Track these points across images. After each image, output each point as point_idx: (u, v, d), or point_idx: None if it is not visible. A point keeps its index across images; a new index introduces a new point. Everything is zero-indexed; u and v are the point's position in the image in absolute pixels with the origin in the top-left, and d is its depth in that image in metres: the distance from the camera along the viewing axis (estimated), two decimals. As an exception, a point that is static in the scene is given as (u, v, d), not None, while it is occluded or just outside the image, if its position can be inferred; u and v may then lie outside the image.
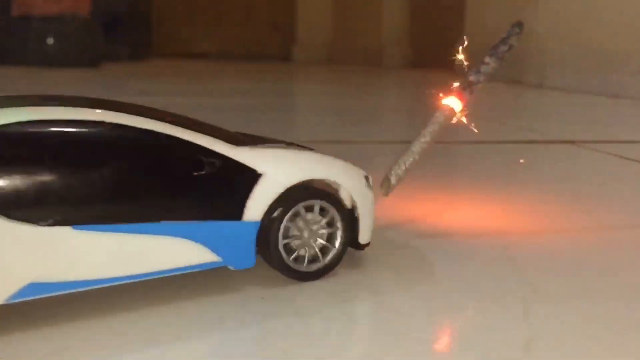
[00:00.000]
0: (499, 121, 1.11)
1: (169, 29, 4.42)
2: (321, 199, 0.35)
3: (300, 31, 4.70)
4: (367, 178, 0.38)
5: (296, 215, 0.34)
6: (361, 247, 0.37)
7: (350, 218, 0.36)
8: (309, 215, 0.35)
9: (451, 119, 0.41)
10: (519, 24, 0.42)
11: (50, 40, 2.10)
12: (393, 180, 0.40)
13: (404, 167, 0.40)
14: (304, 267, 0.34)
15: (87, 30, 2.17)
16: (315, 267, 0.34)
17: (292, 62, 4.43)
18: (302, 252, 0.34)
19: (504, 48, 0.42)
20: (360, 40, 4.09)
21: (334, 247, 0.35)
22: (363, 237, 0.37)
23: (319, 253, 0.35)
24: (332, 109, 1.39)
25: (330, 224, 0.35)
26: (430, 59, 3.84)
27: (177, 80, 2.04)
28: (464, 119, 0.42)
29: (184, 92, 1.60)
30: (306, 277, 0.34)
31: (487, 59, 0.42)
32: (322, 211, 0.35)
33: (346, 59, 4.32)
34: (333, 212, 0.35)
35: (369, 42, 3.94)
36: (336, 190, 0.36)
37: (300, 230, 0.34)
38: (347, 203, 0.36)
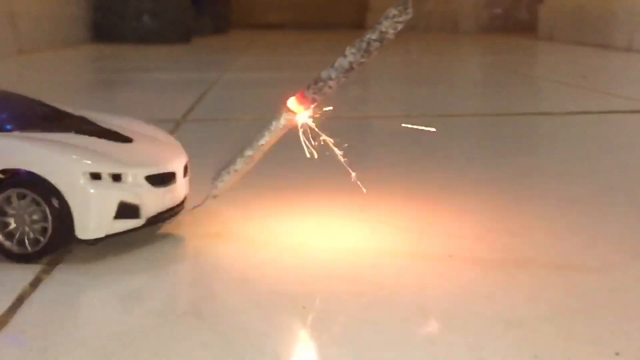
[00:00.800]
0: (602, 90, 1.11)
1: (247, 1, 4.51)
2: (17, 187, 0.34)
3: (375, -2, 4.70)
4: (115, 176, 0.35)
5: (7, 201, 0.34)
6: (90, 242, 0.35)
7: (61, 211, 0.34)
8: (21, 203, 0.34)
9: (293, 123, 0.37)
10: (404, 3, 0.34)
11: (145, 18, 2.22)
12: (219, 184, 0.37)
13: (232, 172, 0.37)
14: (16, 248, 0.34)
15: (179, 7, 2.28)
16: (27, 250, 0.34)
17: (366, 30, 4.43)
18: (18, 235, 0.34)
19: (372, 37, 0.35)
20: (434, 5, 4.06)
21: (43, 238, 0.34)
22: (82, 232, 0.34)
23: (26, 241, 0.34)
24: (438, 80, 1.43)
25: (43, 215, 0.34)
26: (507, 23, 3.78)
27: (281, 54, 2.11)
28: (311, 122, 0.37)
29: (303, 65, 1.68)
30: (20, 259, 0.34)
31: (347, 50, 0.35)
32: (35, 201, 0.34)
33: (420, 24, 4.29)
34: (42, 203, 0.34)
35: (445, 7, 3.90)
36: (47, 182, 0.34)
37: (12, 216, 0.34)
38: (55, 195, 0.34)
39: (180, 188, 0.38)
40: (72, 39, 2.05)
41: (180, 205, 0.39)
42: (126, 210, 0.35)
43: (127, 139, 0.38)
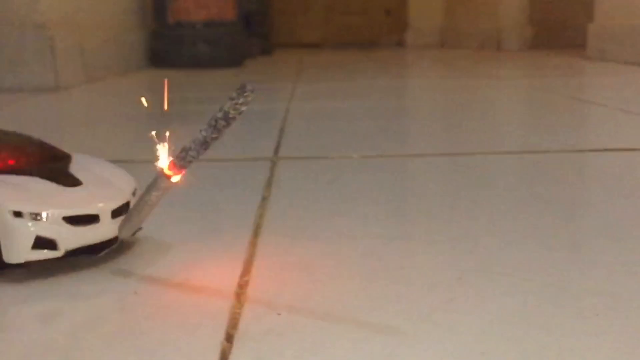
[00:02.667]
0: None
1: (286, 21, 4.58)
2: None
3: (413, 16, 4.72)
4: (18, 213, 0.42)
5: None
6: (14, 265, 0.42)
7: None
8: None
9: (171, 184, 0.42)
10: (242, 87, 0.38)
11: (200, 44, 2.29)
12: (123, 231, 0.45)
13: (132, 221, 0.44)
14: None
15: (232, 32, 2.34)
16: None
17: (405, 48, 4.47)
18: None
19: (219, 116, 0.39)
20: (476, 22, 4.06)
21: None
22: (7, 257, 0.42)
23: None
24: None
25: None
26: (552, 40, 3.76)
27: (335, 78, 2.15)
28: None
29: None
30: None
31: (202, 131, 0.39)
32: None
33: (460, 42, 4.30)
34: None
35: (486, 25, 3.90)
36: None
37: None
38: None
39: (105, 227, 0.45)
40: (131, 66, 2.12)
41: (110, 241, 0.46)
42: (43, 243, 0.43)
43: (75, 183, 0.46)
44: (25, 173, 0.46)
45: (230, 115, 0.39)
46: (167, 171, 0.41)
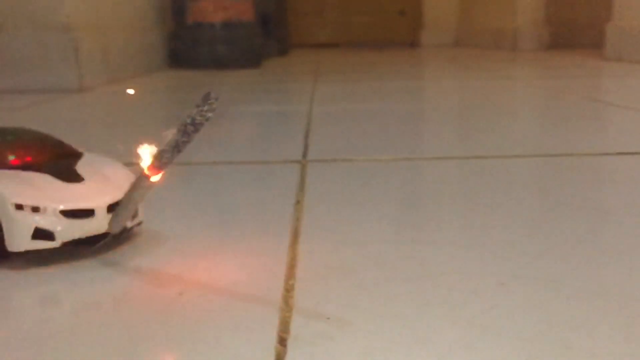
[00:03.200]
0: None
1: (300, 21, 4.58)
2: None
3: (427, 16, 4.72)
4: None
5: None
6: (15, 254, 0.47)
7: None
8: None
9: (151, 186, 0.45)
10: (206, 96, 0.41)
11: (218, 45, 2.30)
12: (115, 225, 0.48)
13: (121, 217, 0.47)
14: None
15: (250, 33, 2.36)
16: None
17: (420, 48, 4.46)
18: None
19: (187, 122, 0.41)
20: (491, 22, 4.05)
21: None
22: (10, 246, 0.46)
23: None
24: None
25: None
26: (569, 40, 3.74)
27: (353, 79, 2.16)
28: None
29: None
30: None
31: (174, 136, 0.43)
32: None
33: (476, 42, 4.29)
34: None
35: (502, 24, 3.89)
36: None
37: None
38: None
39: (100, 221, 0.49)
40: (151, 67, 2.14)
41: (106, 234, 0.49)
42: (41, 234, 0.47)
43: (77, 179, 0.50)
44: (33, 169, 0.49)
45: (197, 122, 0.42)
46: (147, 172, 0.44)
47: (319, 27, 4.79)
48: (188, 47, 2.28)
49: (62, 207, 0.47)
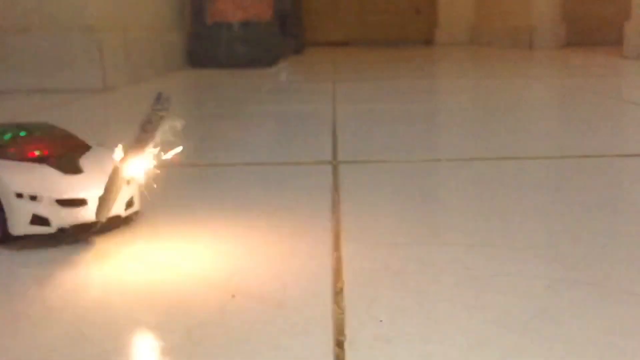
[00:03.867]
0: None
1: (315, 20, 4.59)
2: None
3: (442, 14, 4.71)
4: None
5: None
6: (17, 237, 0.52)
7: (2, 215, 0.52)
8: None
9: (126, 178, 0.51)
10: (158, 97, 0.48)
11: (239, 46, 2.31)
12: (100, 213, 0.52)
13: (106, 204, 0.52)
14: None
15: (268, 32, 2.36)
16: None
17: (435, 46, 4.45)
18: None
19: (147, 122, 0.48)
20: (507, 20, 4.03)
21: None
22: (11, 230, 0.52)
23: None
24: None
25: None
26: (586, 37, 3.72)
27: (373, 78, 2.16)
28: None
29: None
30: None
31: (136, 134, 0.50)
32: None
33: (491, 40, 4.27)
34: None
35: (518, 22, 3.87)
36: None
37: None
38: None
39: (92, 210, 0.53)
40: (171, 66, 2.16)
41: (97, 222, 0.53)
42: (38, 220, 0.52)
43: (76, 171, 0.54)
44: (43, 161, 0.55)
45: (154, 120, 0.47)
46: (120, 165, 0.50)
47: (334, 26, 4.79)
48: (207, 47, 2.29)
49: (57, 197, 0.52)
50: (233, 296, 0.43)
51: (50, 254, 0.52)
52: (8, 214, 0.52)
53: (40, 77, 1.52)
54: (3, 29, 1.56)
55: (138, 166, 0.51)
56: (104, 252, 0.52)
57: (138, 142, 0.48)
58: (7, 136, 0.57)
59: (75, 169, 0.54)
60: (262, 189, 0.72)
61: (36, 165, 0.54)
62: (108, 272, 0.48)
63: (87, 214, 0.53)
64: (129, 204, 0.56)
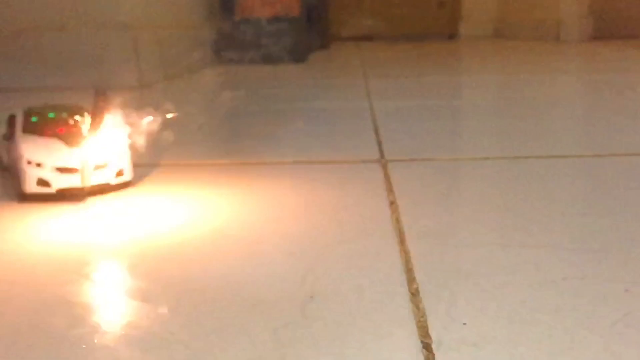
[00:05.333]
0: None
1: (339, 14, 4.57)
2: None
3: (466, 6, 4.66)
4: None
5: None
6: (28, 194, 0.67)
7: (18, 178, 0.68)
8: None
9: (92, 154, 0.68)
10: (97, 91, 0.69)
11: (264, 40, 2.31)
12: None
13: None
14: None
15: (297, 28, 2.36)
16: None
17: (459, 40, 4.41)
18: None
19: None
20: (533, 13, 3.99)
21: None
22: (24, 189, 0.66)
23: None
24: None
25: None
26: (614, 31, 3.67)
27: (402, 74, 2.15)
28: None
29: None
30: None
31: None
32: None
33: (517, 33, 4.23)
34: None
35: (544, 15, 3.82)
36: None
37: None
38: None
39: (83, 177, 0.67)
40: (201, 63, 2.16)
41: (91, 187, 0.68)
42: (42, 182, 0.67)
43: (79, 144, 0.68)
44: (52, 136, 0.69)
45: (99, 107, 0.68)
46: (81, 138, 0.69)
47: (358, 20, 4.77)
48: (235, 43, 2.30)
49: (57, 165, 0.67)
50: (311, 297, 0.43)
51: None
52: (22, 177, 0.67)
53: (76, 75, 1.54)
54: (39, 28, 1.58)
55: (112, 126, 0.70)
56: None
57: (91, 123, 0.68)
58: (34, 119, 0.72)
59: (78, 143, 0.68)
60: (314, 188, 0.72)
61: (48, 139, 0.69)
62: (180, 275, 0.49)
63: (79, 180, 0.67)
64: (119, 173, 0.70)
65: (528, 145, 0.94)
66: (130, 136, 0.73)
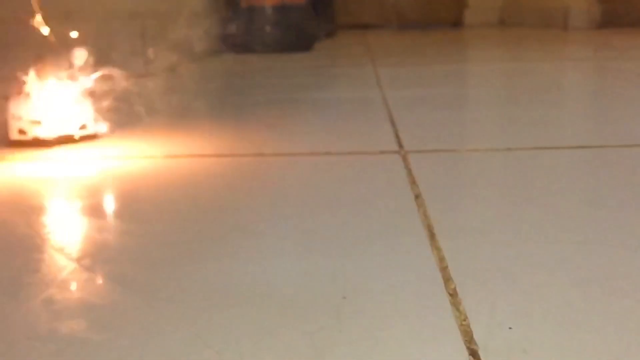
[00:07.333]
0: None
1: (343, 2, 4.53)
2: None
3: (472, -6, 4.61)
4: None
5: None
6: (14, 142, 0.88)
7: None
8: None
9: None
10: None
11: (270, 29, 2.28)
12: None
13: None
14: None
15: (303, 17, 2.33)
16: None
17: (464, 27, 4.37)
18: None
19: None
20: (539, 0, 3.94)
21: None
22: (10, 136, 0.87)
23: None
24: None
25: None
26: (622, 17, 3.62)
27: (411, 62, 2.12)
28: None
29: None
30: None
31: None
32: None
33: (522, 21, 4.18)
34: None
35: (552, 2, 3.78)
36: None
37: None
38: None
39: (47, 128, 0.87)
40: (208, 52, 2.14)
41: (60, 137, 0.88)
42: (21, 132, 0.87)
43: (45, 102, 0.88)
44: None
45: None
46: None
47: (362, 8, 4.73)
48: (242, 32, 2.27)
49: (29, 118, 0.86)
50: (344, 297, 0.41)
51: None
52: (9, 127, 0.87)
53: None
54: (46, 16, 1.56)
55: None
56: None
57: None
58: None
59: (45, 101, 0.87)
60: (333, 181, 0.70)
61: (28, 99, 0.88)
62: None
63: (44, 131, 0.86)
64: (82, 127, 0.89)
65: (551, 135, 0.91)
66: (84, 93, 0.91)
